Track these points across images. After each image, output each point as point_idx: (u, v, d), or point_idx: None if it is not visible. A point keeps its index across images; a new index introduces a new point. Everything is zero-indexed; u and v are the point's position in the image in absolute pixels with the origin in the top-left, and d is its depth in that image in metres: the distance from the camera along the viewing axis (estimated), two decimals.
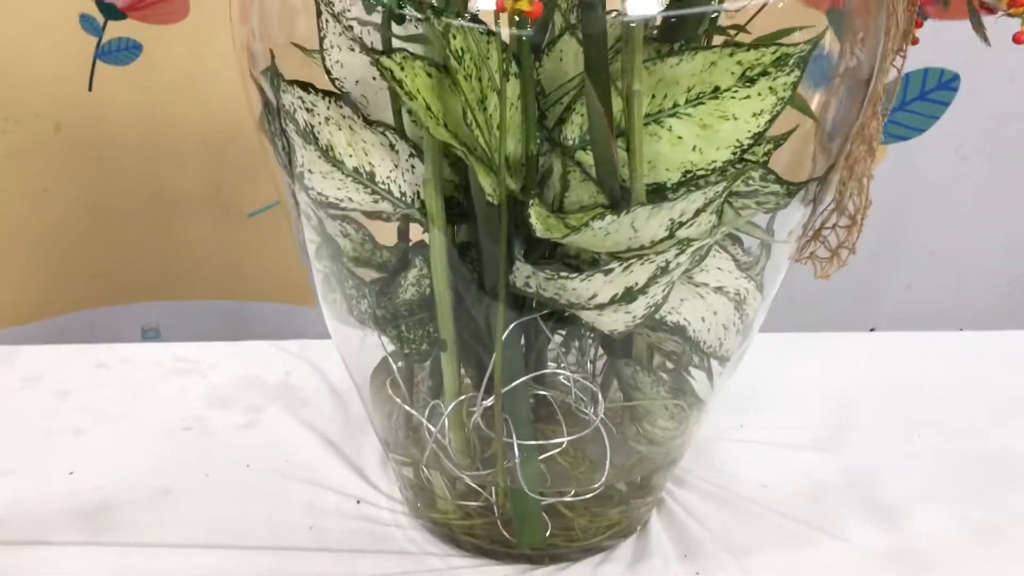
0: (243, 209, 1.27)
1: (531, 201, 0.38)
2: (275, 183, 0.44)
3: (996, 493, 0.53)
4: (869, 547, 0.49)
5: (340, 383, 0.60)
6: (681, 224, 0.36)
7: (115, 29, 1.15)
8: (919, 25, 0.44)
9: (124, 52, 1.17)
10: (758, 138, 0.40)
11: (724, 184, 0.36)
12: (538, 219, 0.37)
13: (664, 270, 0.36)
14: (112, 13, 1.15)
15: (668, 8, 0.37)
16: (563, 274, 0.36)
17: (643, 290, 0.37)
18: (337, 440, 0.55)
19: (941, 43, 1.29)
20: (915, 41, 0.44)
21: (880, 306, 1.46)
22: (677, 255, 0.36)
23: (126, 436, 0.55)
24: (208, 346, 0.64)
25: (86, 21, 1.15)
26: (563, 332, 0.46)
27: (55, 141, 1.21)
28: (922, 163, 1.37)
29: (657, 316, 0.39)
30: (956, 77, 1.30)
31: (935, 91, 1.32)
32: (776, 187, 0.43)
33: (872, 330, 1.49)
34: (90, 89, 1.18)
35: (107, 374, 0.60)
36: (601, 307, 0.37)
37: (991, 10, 0.41)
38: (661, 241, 0.36)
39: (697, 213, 0.36)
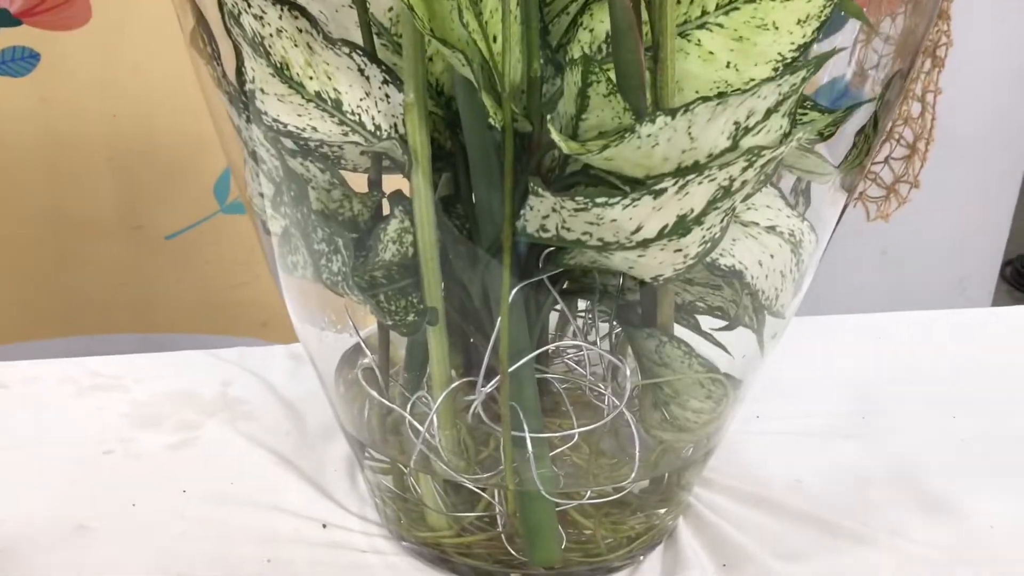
0: (159, 231, 1.16)
1: (548, 118, 0.30)
2: (214, 123, 0.35)
3: None
4: (931, 544, 0.42)
5: (291, 392, 0.51)
6: (748, 130, 0.29)
7: (9, 37, 1.05)
8: None
9: (20, 62, 1.07)
10: (804, 50, 0.33)
11: (802, 74, 0.29)
12: (561, 138, 0.29)
13: (727, 191, 0.29)
14: (5, 20, 1.05)
15: None
16: (599, 200, 0.28)
17: (699, 219, 0.29)
18: (292, 455, 0.46)
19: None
20: None
21: (835, 307, 1.42)
22: (743, 170, 0.28)
23: (33, 464, 0.45)
24: (130, 359, 0.54)
25: None
26: (576, 302, 0.38)
27: None
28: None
29: (709, 258, 0.31)
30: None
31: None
32: (815, 115, 0.36)
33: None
34: None
35: (8, 395, 0.50)
36: (646, 243, 0.29)
37: None
38: (722, 153, 0.29)
39: (768, 114, 0.29)
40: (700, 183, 0.28)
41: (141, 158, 1.12)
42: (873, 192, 0.38)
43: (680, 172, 0.29)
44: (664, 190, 0.28)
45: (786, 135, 0.29)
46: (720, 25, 0.33)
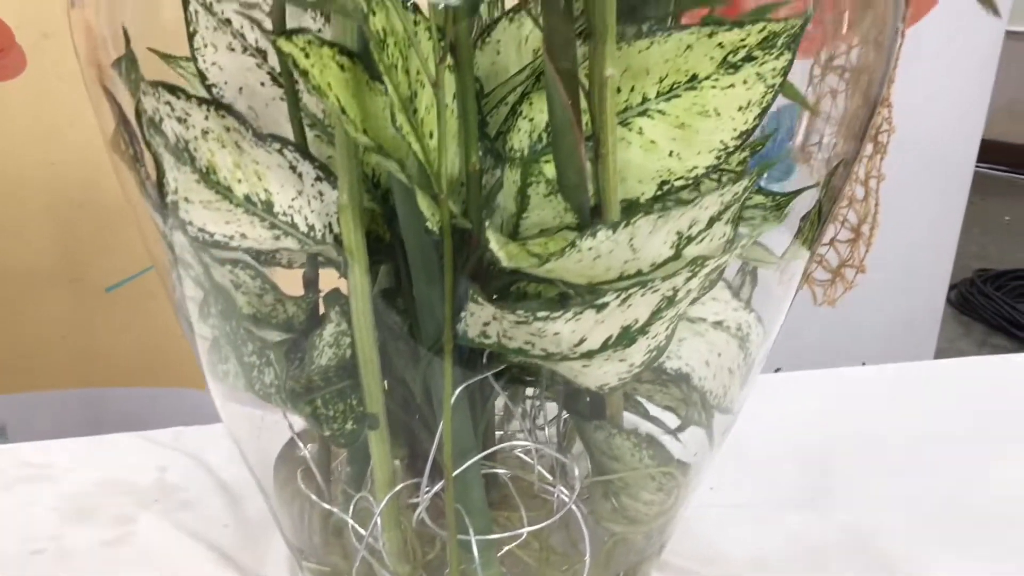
0: (99, 283, 1.13)
1: (486, 226, 0.29)
2: (137, 223, 0.34)
3: (1010, 533, 0.47)
4: None
5: (230, 476, 0.49)
6: (691, 239, 0.28)
7: None
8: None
9: None
10: (746, 137, 0.32)
11: (744, 183, 0.28)
12: (499, 246, 0.28)
13: (671, 301, 0.28)
14: None
15: None
16: (540, 314, 0.27)
17: (643, 329, 0.28)
18: (232, 550, 0.44)
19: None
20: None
21: (781, 341, 1.43)
22: (687, 280, 0.28)
23: None
24: (61, 444, 0.51)
25: None
26: (523, 391, 0.37)
27: None
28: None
29: (659, 365, 0.30)
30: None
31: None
32: (759, 198, 0.36)
33: (777, 370, 1.46)
34: None
35: None
36: (590, 354, 0.28)
37: None
38: (665, 263, 0.28)
39: (711, 223, 0.28)
40: (643, 295, 0.27)
41: (80, 208, 1.09)
42: (820, 275, 0.38)
43: (624, 279, 0.28)
44: (607, 304, 0.27)
45: (730, 241, 0.29)
46: (662, 112, 0.32)
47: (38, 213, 1.09)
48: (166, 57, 0.34)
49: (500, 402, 0.40)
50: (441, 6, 0.29)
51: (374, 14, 0.28)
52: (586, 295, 0.28)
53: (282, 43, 0.27)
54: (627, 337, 0.28)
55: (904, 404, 0.60)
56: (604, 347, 0.28)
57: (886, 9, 0.34)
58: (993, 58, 1.32)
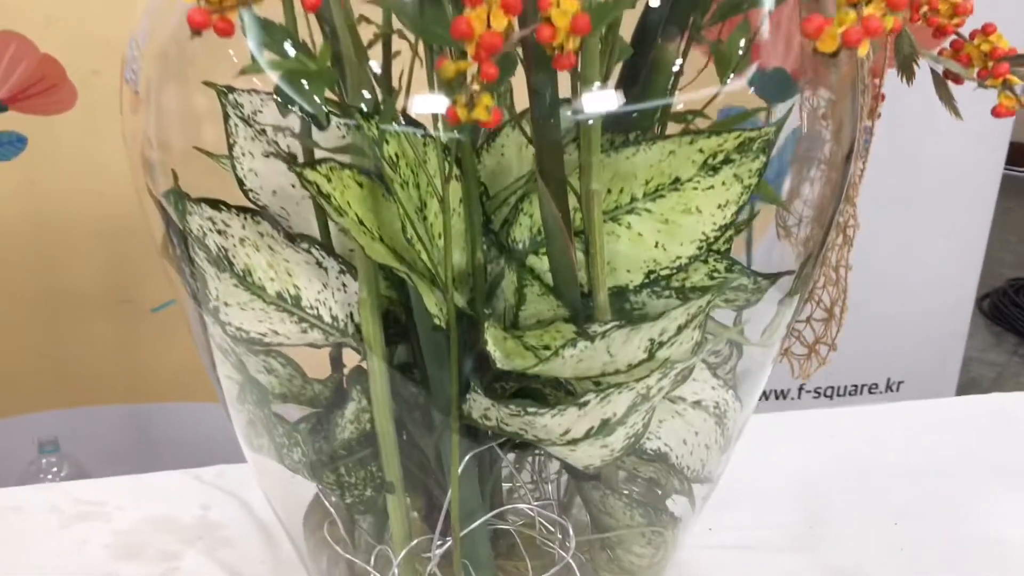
0: (145, 304, 1.19)
1: (486, 324, 0.33)
2: (183, 313, 0.38)
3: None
4: None
5: (267, 515, 0.53)
6: (662, 344, 0.32)
7: None
8: (882, 99, 0.41)
9: (7, 147, 1.10)
10: (725, 231, 0.36)
11: (708, 297, 0.32)
12: (497, 345, 0.32)
13: (645, 397, 0.32)
14: None
15: (626, 103, 0.33)
16: (530, 410, 0.31)
17: (621, 421, 0.32)
18: None
19: None
20: (878, 115, 0.41)
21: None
22: (659, 380, 0.32)
23: None
24: (113, 483, 0.56)
25: None
26: (514, 458, 0.41)
27: None
28: None
29: (639, 446, 0.34)
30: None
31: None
32: (743, 280, 0.39)
33: (802, 387, 1.48)
34: None
35: None
36: (575, 442, 0.32)
37: (959, 80, 0.38)
38: (640, 364, 0.32)
39: (679, 331, 0.32)
40: (620, 393, 0.31)
41: (127, 235, 1.15)
42: (798, 350, 0.42)
43: (605, 375, 0.32)
44: (587, 402, 0.31)
45: (698, 344, 0.32)
46: (648, 210, 0.36)
47: (88, 239, 1.15)
48: (213, 156, 0.38)
49: (510, 456, 0.44)
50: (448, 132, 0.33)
51: (387, 143, 0.32)
52: (577, 392, 0.32)
53: (307, 173, 0.31)
54: (607, 428, 0.32)
55: (901, 443, 0.63)
56: (587, 436, 0.32)
57: (843, 116, 0.37)
58: None
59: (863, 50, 0.25)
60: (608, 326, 0.30)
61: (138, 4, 0.39)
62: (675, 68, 0.36)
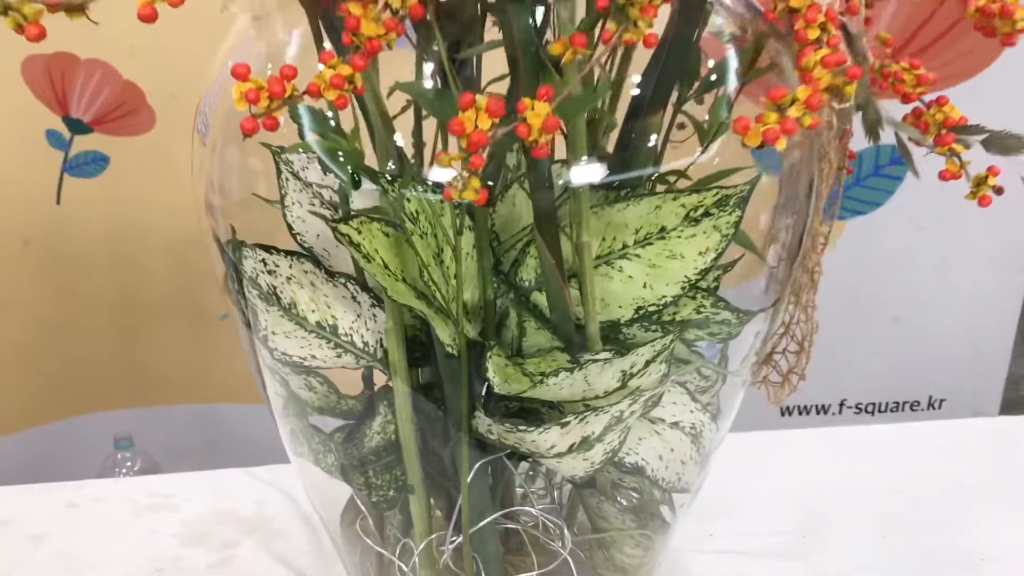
0: (213, 313, 1.27)
1: (490, 353, 0.39)
2: (239, 338, 0.45)
3: None
4: None
5: (312, 511, 0.60)
6: (632, 375, 0.37)
7: (82, 143, 1.18)
8: (852, 157, 0.46)
9: (91, 165, 1.19)
10: (705, 273, 0.41)
11: (672, 336, 0.37)
12: (496, 372, 0.38)
13: (619, 419, 0.38)
14: (78, 128, 1.17)
15: (610, 173, 0.39)
16: (521, 428, 0.37)
17: (600, 438, 0.38)
18: (311, 572, 0.55)
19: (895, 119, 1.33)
20: (849, 171, 0.46)
21: (848, 374, 1.48)
22: (630, 405, 0.37)
23: None
24: (181, 479, 0.64)
25: (53, 136, 1.17)
26: (528, 466, 0.47)
27: (23, 256, 1.22)
28: (881, 235, 1.41)
29: (618, 460, 0.40)
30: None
31: (888, 166, 1.36)
32: (727, 315, 0.45)
33: (843, 403, 1.51)
34: (58, 202, 1.20)
35: (78, 515, 0.60)
36: (560, 455, 0.38)
37: (919, 143, 0.43)
38: (614, 391, 0.37)
39: (647, 364, 0.37)
40: (597, 416, 0.37)
41: (196, 247, 1.23)
42: (774, 378, 0.47)
43: (584, 400, 0.38)
44: (568, 423, 0.37)
45: (665, 375, 0.38)
46: (638, 256, 0.42)
47: (161, 251, 1.24)
48: (268, 201, 0.45)
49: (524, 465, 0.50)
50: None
51: (408, 201, 0.38)
52: (560, 414, 0.38)
53: (340, 227, 0.38)
54: (586, 444, 0.38)
55: (898, 463, 0.68)
56: (570, 450, 0.38)
57: (805, 174, 0.43)
58: None
59: (781, 145, 0.30)
60: (586, 359, 0.36)
61: (211, 62, 0.46)
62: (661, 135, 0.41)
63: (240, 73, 0.29)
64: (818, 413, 1.49)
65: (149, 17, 0.28)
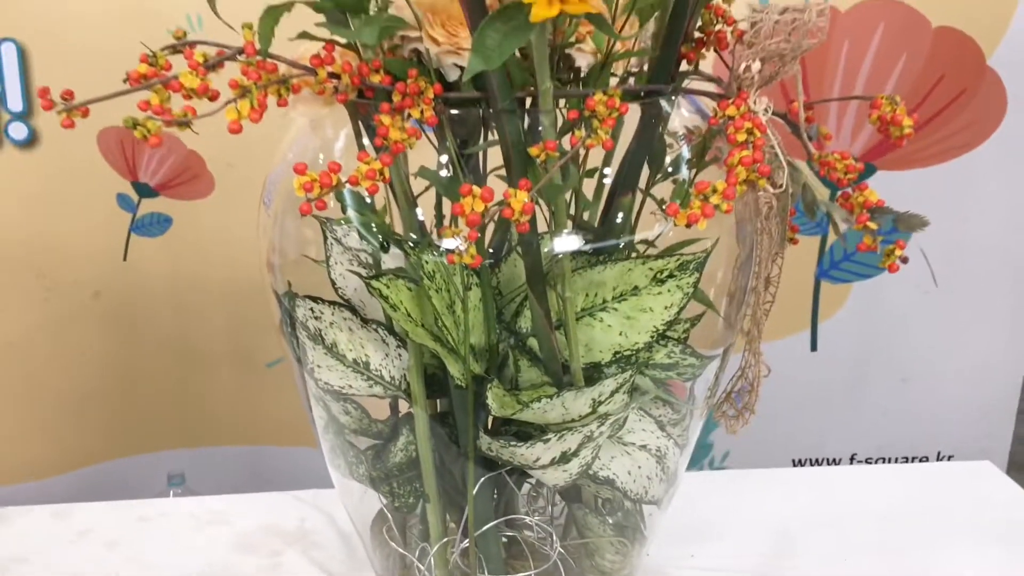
0: (261, 360, 1.39)
1: (490, 384, 0.49)
2: (284, 384, 0.56)
3: None
4: None
5: (346, 527, 0.70)
6: (600, 402, 0.47)
7: (148, 205, 1.30)
8: (795, 230, 0.55)
9: (156, 225, 1.31)
10: (670, 324, 0.51)
11: (630, 372, 0.47)
12: (495, 400, 0.48)
13: (590, 438, 0.47)
14: (146, 192, 1.30)
15: (590, 242, 0.49)
16: (512, 443, 0.47)
17: (575, 453, 0.48)
18: (344, 570, 0.65)
19: (892, 187, 1.43)
20: (795, 242, 0.56)
21: (859, 430, 1.55)
22: (599, 426, 0.47)
23: None
24: (234, 498, 0.74)
25: (123, 200, 1.29)
26: (531, 487, 0.57)
27: (93, 307, 1.34)
28: (887, 298, 1.49)
29: (590, 472, 0.50)
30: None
31: (890, 233, 1.44)
32: (693, 360, 0.54)
33: (853, 456, 1.58)
34: (125, 259, 1.32)
35: (148, 527, 0.70)
36: (544, 467, 0.48)
37: (846, 221, 0.53)
38: (587, 416, 0.47)
39: (612, 393, 0.47)
40: (572, 434, 0.47)
41: (249, 299, 1.35)
42: (730, 412, 0.56)
43: (564, 422, 0.47)
44: (549, 439, 0.47)
45: (627, 404, 0.48)
46: (615, 309, 0.51)
47: (217, 302, 1.35)
48: (316, 261, 0.55)
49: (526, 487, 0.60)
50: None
51: (426, 263, 0.49)
52: (544, 432, 0.48)
53: (373, 283, 0.48)
54: (565, 458, 0.47)
55: (865, 499, 0.76)
56: (552, 463, 0.48)
57: (746, 243, 0.52)
58: None
59: (702, 225, 0.40)
60: (564, 389, 0.46)
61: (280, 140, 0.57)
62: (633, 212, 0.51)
63: (300, 169, 0.40)
64: (829, 464, 1.56)
65: (236, 131, 0.38)
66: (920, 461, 1.60)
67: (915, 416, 1.54)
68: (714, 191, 0.41)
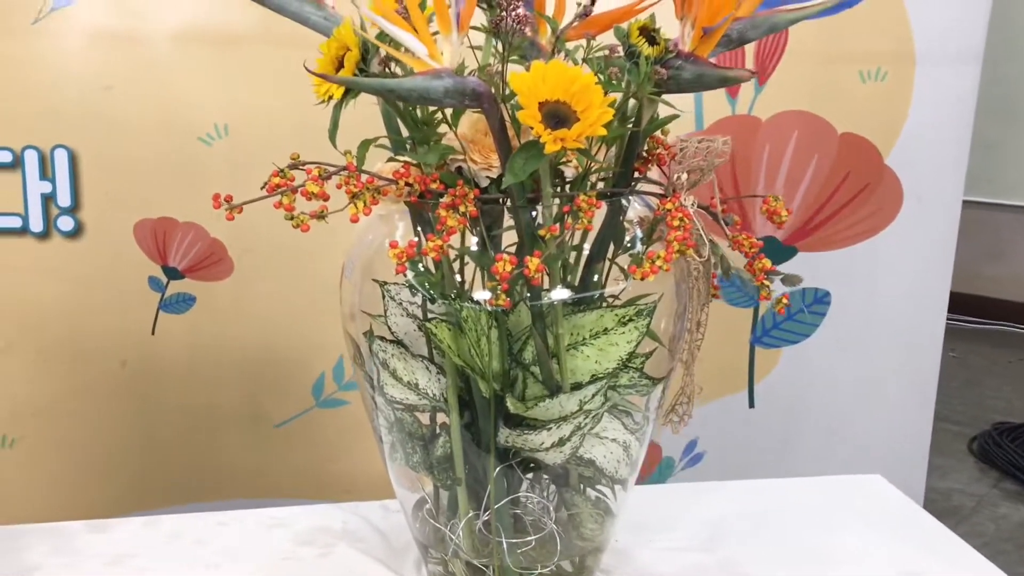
0: (271, 419, 1.58)
1: (507, 397, 0.71)
2: (361, 395, 0.77)
3: None
4: None
5: (383, 525, 0.90)
6: (585, 402, 0.69)
7: (175, 286, 1.50)
8: (716, 288, 0.78)
9: (182, 303, 1.52)
10: (631, 355, 0.73)
11: (605, 382, 0.69)
12: (512, 404, 0.70)
13: (578, 428, 0.69)
14: (173, 275, 1.50)
15: (574, 294, 0.71)
16: (526, 432, 0.69)
17: (568, 439, 0.69)
18: (384, 559, 0.85)
19: (813, 265, 1.68)
20: (716, 297, 0.78)
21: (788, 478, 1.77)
22: (584, 419, 0.69)
23: (250, 571, 0.84)
24: (293, 508, 0.94)
25: (153, 281, 1.50)
26: (533, 477, 0.78)
27: (120, 374, 1.53)
28: (813, 360, 1.73)
29: (578, 454, 0.71)
30: (828, 293, 1.69)
31: (814, 304, 1.69)
32: (647, 382, 0.76)
33: None
34: (152, 333, 1.51)
35: (227, 529, 0.90)
36: (547, 449, 0.69)
37: (749, 281, 0.76)
38: (576, 412, 0.69)
39: (593, 396, 0.69)
40: (564, 425, 0.68)
41: (263, 365, 1.54)
42: (675, 418, 0.78)
43: (559, 418, 0.69)
44: (551, 428, 0.68)
45: (604, 403, 0.69)
46: (592, 344, 0.73)
47: (232, 367, 1.55)
48: (372, 316, 0.77)
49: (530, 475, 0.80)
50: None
51: (461, 310, 0.71)
52: (546, 424, 0.69)
53: (427, 325, 0.70)
54: (560, 443, 0.69)
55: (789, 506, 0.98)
56: (552, 446, 0.69)
57: (681, 302, 0.75)
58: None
59: (650, 278, 0.63)
60: (556, 394, 0.68)
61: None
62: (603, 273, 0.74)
63: (393, 245, 0.62)
64: None
65: (356, 220, 0.61)
66: None
67: (840, 464, 1.77)
68: (659, 257, 0.64)
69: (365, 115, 0.68)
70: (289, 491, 1.61)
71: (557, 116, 0.60)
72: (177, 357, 1.55)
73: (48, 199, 1.43)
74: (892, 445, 1.81)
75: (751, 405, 1.73)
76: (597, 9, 0.68)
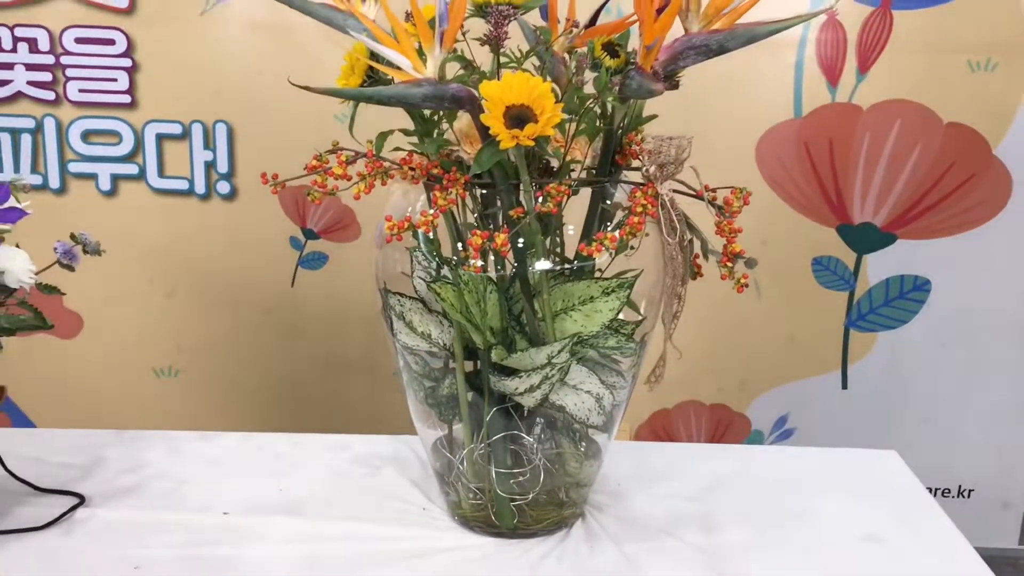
0: (388, 369, 1.77)
1: (494, 348, 0.85)
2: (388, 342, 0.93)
3: None
4: (700, 546, 0.90)
5: (422, 455, 1.06)
6: (553, 355, 0.82)
7: (311, 246, 1.72)
8: (699, 267, 0.88)
9: (316, 261, 1.73)
10: (613, 320, 0.85)
11: (568, 340, 0.82)
12: (495, 354, 0.84)
13: (546, 378, 0.82)
14: (311, 235, 1.71)
15: (556, 264, 0.84)
16: (504, 379, 0.83)
17: (538, 387, 0.83)
18: (418, 480, 1.01)
19: (916, 253, 1.70)
20: (699, 275, 0.89)
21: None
22: (551, 371, 0.82)
23: (309, 479, 1.03)
24: (353, 437, 1.12)
25: (293, 241, 1.72)
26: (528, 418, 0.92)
27: (265, 322, 1.76)
28: (910, 348, 1.75)
29: (548, 400, 0.84)
30: (928, 282, 1.71)
31: (912, 291, 1.72)
32: (631, 344, 0.88)
33: None
34: (292, 285, 1.74)
35: (301, 449, 1.09)
36: (522, 395, 0.83)
37: (720, 262, 0.86)
38: (544, 364, 0.82)
39: (559, 351, 0.82)
40: (537, 373, 0.82)
41: (380, 320, 1.74)
42: (652, 378, 0.89)
43: (533, 368, 0.82)
44: (522, 376, 0.82)
45: (569, 357, 0.82)
46: (579, 310, 0.86)
47: (356, 320, 1.75)
48: (405, 275, 0.92)
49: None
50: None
51: (462, 274, 0.85)
52: (521, 373, 0.83)
53: (433, 286, 0.85)
54: (532, 389, 0.82)
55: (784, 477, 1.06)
56: (525, 391, 0.83)
57: (662, 279, 0.86)
58: None
59: (596, 255, 0.75)
60: (532, 348, 0.81)
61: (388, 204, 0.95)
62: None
63: (388, 218, 0.77)
64: None
65: (358, 198, 0.76)
66: (943, 493, 1.83)
67: (936, 453, 1.79)
68: (606, 238, 0.76)
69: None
70: (400, 428, 1.80)
71: (521, 118, 0.73)
72: (313, 308, 1.77)
73: (210, 166, 1.67)
74: (989, 441, 1.81)
75: (843, 386, 1.78)
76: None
